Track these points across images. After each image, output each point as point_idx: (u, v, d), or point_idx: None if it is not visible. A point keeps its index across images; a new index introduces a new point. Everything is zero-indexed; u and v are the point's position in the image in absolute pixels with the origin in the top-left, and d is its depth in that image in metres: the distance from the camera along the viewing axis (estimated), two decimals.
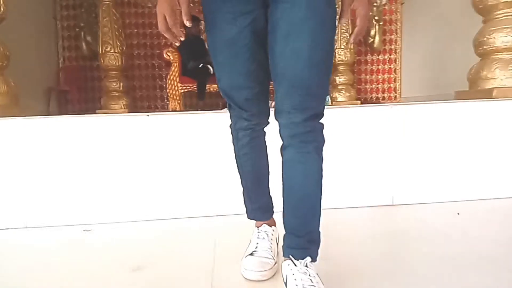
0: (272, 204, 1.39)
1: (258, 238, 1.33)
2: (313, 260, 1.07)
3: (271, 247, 1.29)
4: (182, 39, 1.04)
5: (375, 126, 2.15)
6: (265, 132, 1.29)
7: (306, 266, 1.04)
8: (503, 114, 2.24)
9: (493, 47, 2.67)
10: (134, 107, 5.60)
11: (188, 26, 1.01)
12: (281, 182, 1.11)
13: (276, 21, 1.01)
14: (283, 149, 1.10)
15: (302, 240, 1.07)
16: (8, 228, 1.90)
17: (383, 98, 6.72)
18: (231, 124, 1.27)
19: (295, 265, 1.04)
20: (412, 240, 1.59)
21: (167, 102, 5.99)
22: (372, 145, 2.14)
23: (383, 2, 6.53)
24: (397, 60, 6.64)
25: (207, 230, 1.79)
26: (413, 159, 2.15)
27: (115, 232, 1.82)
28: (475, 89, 2.78)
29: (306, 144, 1.04)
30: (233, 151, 1.30)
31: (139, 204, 2.03)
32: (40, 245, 1.70)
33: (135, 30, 6.19)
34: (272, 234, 1.34)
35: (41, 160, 1.99)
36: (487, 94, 2.59)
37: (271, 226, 1.37)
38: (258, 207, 1.37)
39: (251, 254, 1.27)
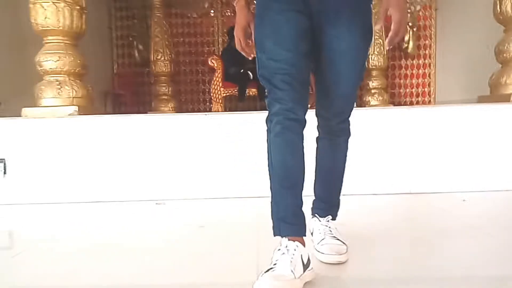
0: (304, 222, 1.20)
1: (278, 254, 1.14)
2: (333, 218, 1.42)
3: (291, 261, 1.09)
4: (253, 56, 1.27)
5: (397, 126, 2.46)
6: (303, 135, 1.23)
7: (328, 222, 1.39)
8: None
9: (510, 55, 2.90)
10: (180, 109, 6.11)
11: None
12: (315, 163, 1.42)
13: (322, 47, 1.24)
14: (318, 139, 1.41)
15: (327, 204, 1.42)
16: (100, 201, 2.40)
17: (417, 102, 6.86)
18: (266, 118, 1.24)
19: (320, 221, 1.39)
20: (425, 219, 1.90)
21: (209, 105, 6.49)
22: (394, 142, 2.45)
23: (418, 8, 6.72)
24: (432, 65, 6.78)
25: (255, 207, 2.18)
26: (429, 154, 2.43)
27: (182, 205, 2.26)
28: (495, 94, 3.01)
29: (338, 138, 1.38)
30: (266, 150, 1.24)
31: (201, 184, 2.45)
32: (128, 214, 2.18)
33: (181, 39, 6.74)
34: (295, 250, 1.12)
35: (121, 148, 2.48)
36: (506, 98, 2.82)
37: (294, 241, 1.15)
38: (283, 217, 1.18)
39: (267, 271, 1.09)
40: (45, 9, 2.83)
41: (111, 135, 2.50)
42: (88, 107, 3.00)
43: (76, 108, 2.83)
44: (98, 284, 1.26)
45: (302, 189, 1.21)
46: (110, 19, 6.76)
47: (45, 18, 2.84)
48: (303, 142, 1.22)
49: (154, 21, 5.78)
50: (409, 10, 6.60)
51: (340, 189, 1.44)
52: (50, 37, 2.92)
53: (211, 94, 5.32)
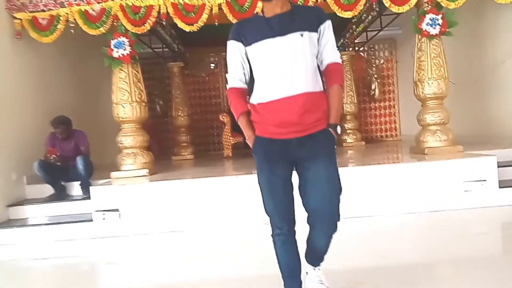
0: None
1: None
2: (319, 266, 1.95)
3: None
4: None
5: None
6: (296, 241, 1.74)
7: (315, 269, 1.94)
8: (435, 167, 3.94)
9: (425, 123, 4.50)
10: (196, 153, 7.52)
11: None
12: (306, 245, 1.85)
13: (305, 179, 1.69)
14: (310, 229, 1.78)
15: (317, 259, 1.93)
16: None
17: (386, 136, 8.48)
18: (271, 234, 1.74)
19: (314, 269, 1.94)
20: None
21: (218, 145, 7.94)
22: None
23: (382, 62, 8.42)
24: (395, 106, 8.43)
25: None
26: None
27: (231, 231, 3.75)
28: (418, 147, 4.60)
29: (328, 235, 1.76)
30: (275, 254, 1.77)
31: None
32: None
33: (193, 94, 8.33)
34: None
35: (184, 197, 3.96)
36: (423, 151, 4.40)
37: None
38: None
39: None
40: (124, 107, 4.38)
41: (178, 192, 3.95)
42: (153, 169, 4.52)
43: (147, 170, 4.36)
44: None
45: (300, 275, 1.79)
46: None
47: (124, 113, 4.38)
48: (296, 245, 1.77)
49: (175, 86, 7.33)
50: (374, 65, 8.31)
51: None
52: (126, 124, 4.46)
53: (223, 142, 6.83)
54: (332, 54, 1.72)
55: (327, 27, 1.70)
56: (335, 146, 1.71)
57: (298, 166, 1.71)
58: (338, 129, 1.72)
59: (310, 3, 4.10)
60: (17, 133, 4.29)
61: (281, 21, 1.64)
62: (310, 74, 1.64)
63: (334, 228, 1.74)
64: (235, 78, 1.75)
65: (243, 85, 1.75)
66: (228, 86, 1.78)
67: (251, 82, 1.74)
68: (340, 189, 1.70)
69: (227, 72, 1.81)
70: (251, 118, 1.72)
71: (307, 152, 1.65)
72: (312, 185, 1.67)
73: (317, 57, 1.71)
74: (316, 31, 1.67)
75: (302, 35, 1.61)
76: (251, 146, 1.74)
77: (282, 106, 1.60)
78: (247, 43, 1.67)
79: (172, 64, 7.27)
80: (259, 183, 1.74)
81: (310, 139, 1.64)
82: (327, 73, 1.73)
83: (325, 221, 1.72)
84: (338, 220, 1.72)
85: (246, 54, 1.70)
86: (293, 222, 1.75)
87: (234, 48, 1.72)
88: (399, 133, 8.45)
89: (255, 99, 1.69)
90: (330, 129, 1.68)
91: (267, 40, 1.62)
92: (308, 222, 1.75)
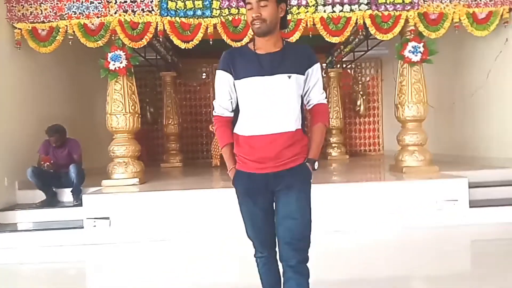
0: None
1: None
2: None
3: None
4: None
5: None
6: (277, 260, 1.82)
7: None
8: (411, 186, 4.21)
9: (404, 143, 4.76)
10: (185, 161, 7.71)
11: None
12: None
13: (278, 209, 1.73)
14: (286, 281, 1.71)
15: None
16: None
17: (370, 151, 8.79)
18: (254, 255, 1.88)
19: None
20: None
21: (207, 154, 8.12)
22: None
23: (367, 79, 8.74)
24: (379, 121, 8.75)
25: None
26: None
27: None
28: (397, 165, 4.86)
29: (302, 277, 1.69)
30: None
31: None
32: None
33: (184, 103, 8.49)
34: None
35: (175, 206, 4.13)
36: (401, 169, 4.67)
37: None
38: None
39: None
40: (118, 118, 4.53)
41: (167, 202, 4.13)
42: (143, 178, 4.68)
43: (137, 179, 4.51)
44: None
45: None
46: None
47: (118, 123, 4.53)
48: (277, 264, 1.84)
49: (166, 95, 7.49)
50: (360, 82, 8.63)
51: None
52: (119, 134, 4.60)
53: (211, 152, 7.01)
54: (319, 95, 1.79)
55: (315, 70, 1.76)
56: (311, 181, 1.74)
57: (275, 197, 1.76)
58: (316, 164, 1.75)
59: (300, 28, 4.33)
60: (11, 139, 4.39)
61: (272, 60, 1.69)
62: (294, 114, 1.70)
63: (302, 265, 1.70)
64: (221, 107, 1.79)
65: (229, 114, 1.79)
66: (214, 113, 1.83)
67: (237, 111, 1.78)
68: (310, 223, 1.71)
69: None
70: (234, 151, 1.78)
71: (283, 184, 1.70)
72: (282, 216, 1.71)
73: (302, 97, 1.77)
74: (303, 74, 1.72)
75: (289, 77, 1.68)
76: (231, 178, 1.79)
77: (263, 143, 1.66)
78: (236, 76, 1.72)
79: (165, 74, 7.44)
80: (240, 211, 1.83)
81: (286, 173, 1.70)
82: (313, 112, 1.80)
83: (292, 250, 1.69)
84: (306, 255, 1.71)
85: (234, 85, 1.74)
86: (273, 245, 1.85)
87: (223, 78, 1.75)
88: (382, 147, 8.77)
89: (238, 129, 1.75)
90: (307, 164, 1.72)
91: (256, 78, 1.68)
92: (280, 260, 1.74)
